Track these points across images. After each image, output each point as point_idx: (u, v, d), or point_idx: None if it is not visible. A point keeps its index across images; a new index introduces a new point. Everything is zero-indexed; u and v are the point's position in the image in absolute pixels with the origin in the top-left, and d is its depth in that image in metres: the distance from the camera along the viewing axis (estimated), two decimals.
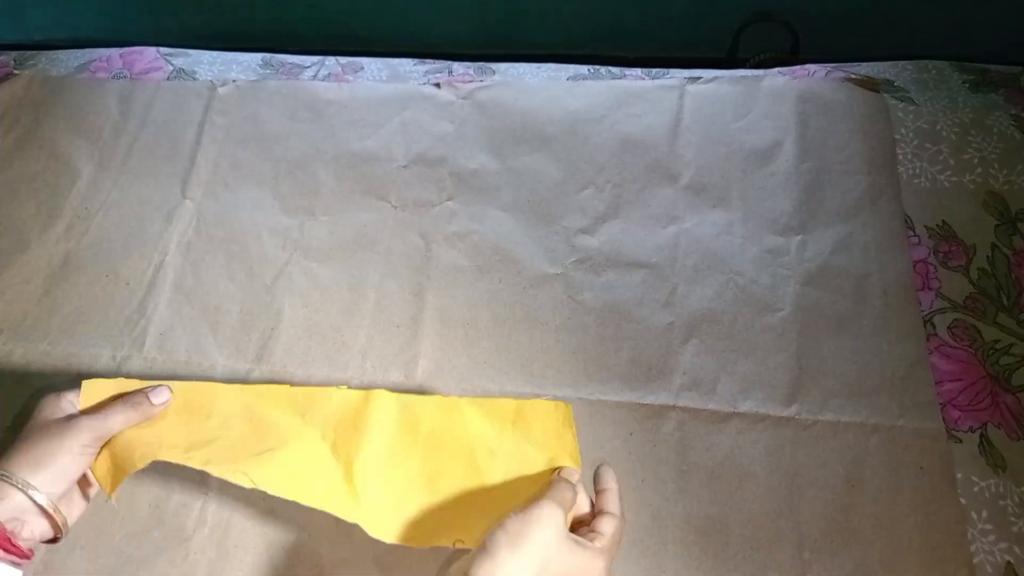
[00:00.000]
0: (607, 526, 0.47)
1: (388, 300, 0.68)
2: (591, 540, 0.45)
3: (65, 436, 0.47)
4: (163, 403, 0.51)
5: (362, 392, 0.52)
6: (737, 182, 0.72)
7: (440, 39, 0.93)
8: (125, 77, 0.85)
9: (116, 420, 0.49)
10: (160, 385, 0.52)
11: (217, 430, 0.50)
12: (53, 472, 0.46)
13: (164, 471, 0.61)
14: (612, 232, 0.71)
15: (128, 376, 0.65)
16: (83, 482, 0.51)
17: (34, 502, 0.45)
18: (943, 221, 0.69)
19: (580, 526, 0.49)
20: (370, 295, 0.69)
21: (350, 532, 0.58)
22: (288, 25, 0.94)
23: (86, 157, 0.78)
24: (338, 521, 0.58)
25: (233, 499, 0.59)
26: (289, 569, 0.57)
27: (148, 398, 0.50)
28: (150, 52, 0.87)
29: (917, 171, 0.71)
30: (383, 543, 0.53)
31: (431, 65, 0.84)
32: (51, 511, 0.46)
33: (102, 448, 0.50)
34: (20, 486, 0.45)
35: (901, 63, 0.79)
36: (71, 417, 0.49)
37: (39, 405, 0.49)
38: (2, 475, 0.45)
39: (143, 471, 0.61)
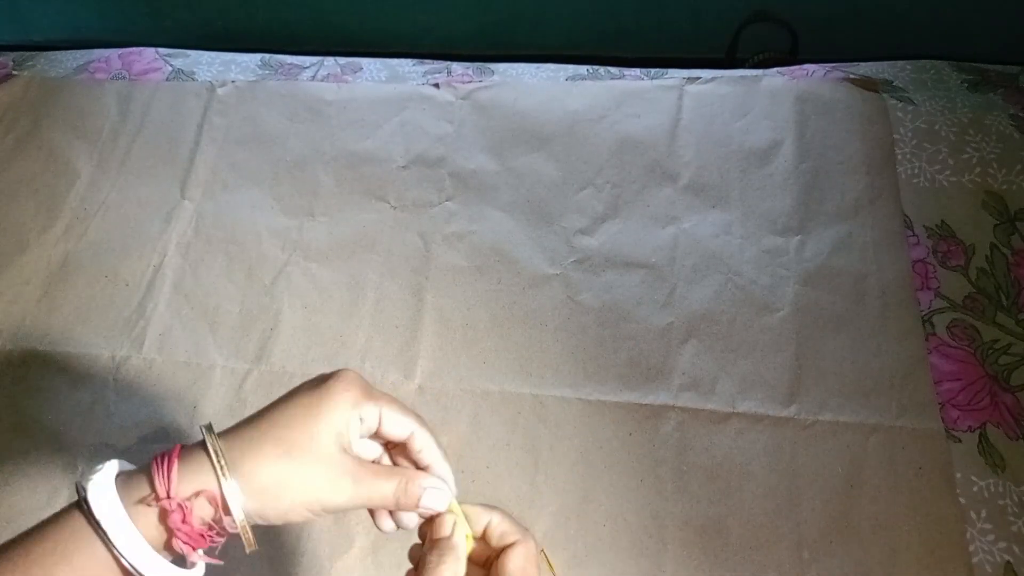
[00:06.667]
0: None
1: (387, 300, 0.68)
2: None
3: (319, 487, 0.35)
4: (429, 510, 0.38)
5: None
6: (736, 182, 0.72)
7: (439, 39, 0.93)
8: (124, 78, 0.85)
9: (376, 499, 0.37)
10: (442, 488, 0.38)
11: None
12: (278, 508, 0.35)
13: None
14: (611, 232, 0.71)
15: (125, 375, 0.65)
16: None
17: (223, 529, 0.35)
18: (942, 221, 0.69)
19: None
20: (369, 295, 0.69)
21: (350, 533, 0.58)
22: (287, 25, 0.94)
23: (85, 158, 0.78)
24: (338, 521, 0.58)
25: None
26: (289, 569, 0.57)
27: (421, 499, 0.38)
28: (149, 53, 0.87)
29: (916, 171, 0.71)
30: (380, 543, 0.52)
31: (430, 65, 0.84)
32: (245, 540, 0.35)
33: None
34: (228, 502, 0.34)
35: (900, 63, 0.79)
36: (343, 468, 0.36)
37: (336, 401, 0.36)
38: (223, 476, 0.34)
39: None
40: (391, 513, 0.39)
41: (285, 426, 0.36)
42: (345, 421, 0.36)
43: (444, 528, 0.38)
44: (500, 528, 0.39)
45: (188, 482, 0.33)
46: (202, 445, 0.34)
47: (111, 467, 0.34)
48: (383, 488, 0.37)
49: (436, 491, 0.38)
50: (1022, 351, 0.62)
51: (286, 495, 0.35)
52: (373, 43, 0.92)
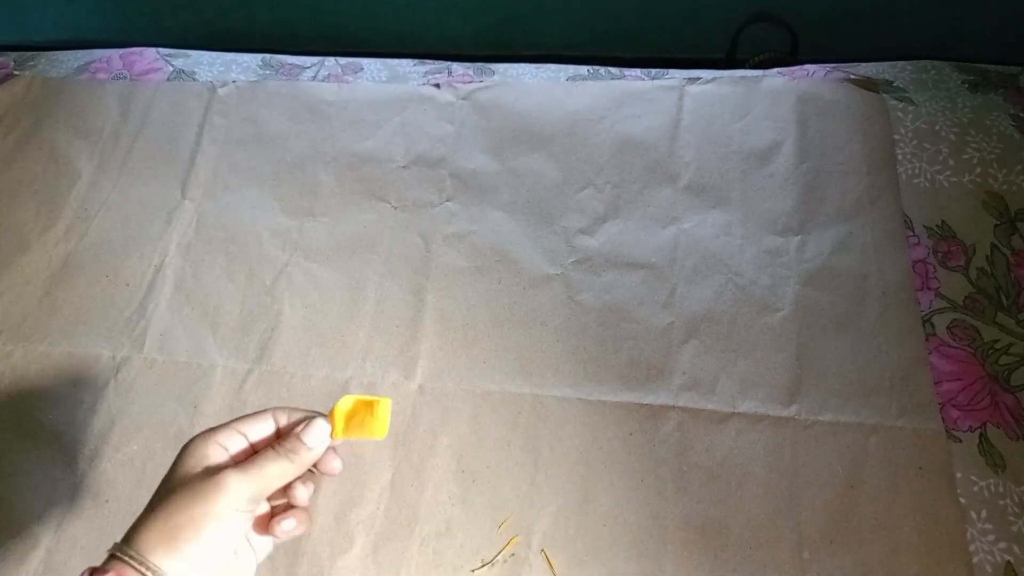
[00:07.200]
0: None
1: (388, 301, 0.68)
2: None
3: (211, 499, 0.36)
4: (319, 444, 0.41)
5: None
6: (736, 183, 0.72)
7: (440, 40, 0.93)
8: (125, 78, 0.85)
9: (272, 473, 0.39)
10: (313, 418, 0.41)
11: None
12: (197, 549, 0.35)
13: (164, 471, 0.61)
14: (611, 232, 0.71)
15: (126, 378, 0.65)
16: (261, 521, 0.41)
17: None
18: (942, 221, 0.69)
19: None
20: (370, 296, 0.69)
21: (350, 532, 0.58)
22: (288, 26, 0.94)
23: (86, 158, 0.79)
24: (338, 521, 0.58)
25: None
26: (289, 569, 0.57)
27: (302, 441, 0.40)
28: (150, 53, 0.87)
29: (916, 171, 0.71)
30: (380, 543, 0.53)
31: (431, 66, 0.84)
32: None
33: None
34: (150, 574, 0.34)
35: (900, 63, 0.79)
36: (217, 471, 0.37)
37: (182, 452, 0.39)
38: (130, 558, 0.35)
39: (141, 471, 0.61)
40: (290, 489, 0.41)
41: (158, 493, 0.38)
42: (203, 454, 0.38)
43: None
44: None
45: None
46: (114, 559, 0.35)
47: None
48: (268, 459, 0.39)
49: (309, 427, 0.41)
50: (1022, 351, 0.62)
51: (197, 538, 0.36)
52: (374, 43, 0.92)
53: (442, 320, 0.67)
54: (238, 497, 0.37)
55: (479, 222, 0.72)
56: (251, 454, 0.40)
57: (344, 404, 0.43)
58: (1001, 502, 0.57)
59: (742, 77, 0.79)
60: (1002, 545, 0.55)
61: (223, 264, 0.71)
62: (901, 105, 0.75)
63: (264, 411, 0.42)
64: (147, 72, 0.85)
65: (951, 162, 0.72)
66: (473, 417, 0.62)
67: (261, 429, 0.41)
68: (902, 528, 0.56)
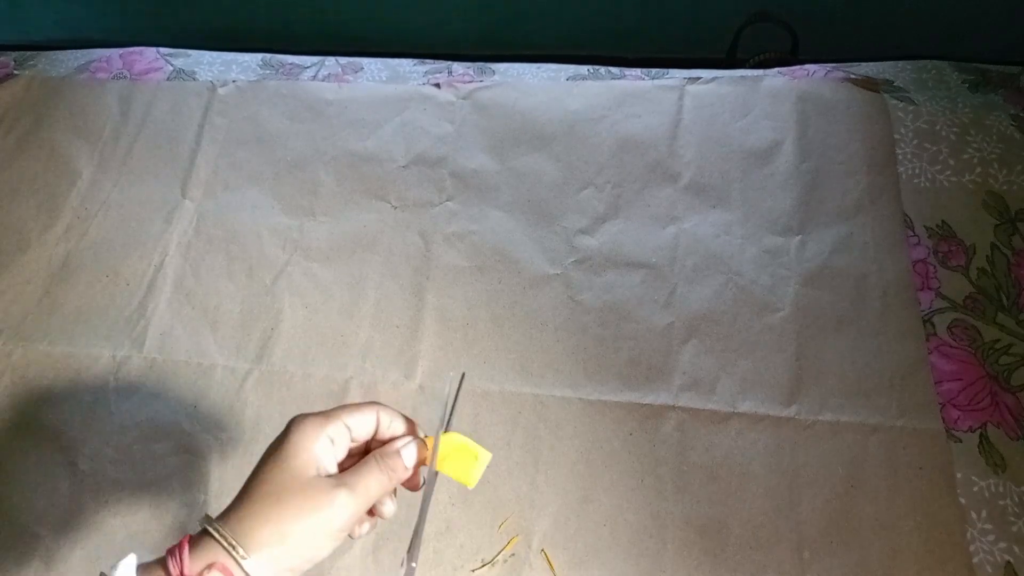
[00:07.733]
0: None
1: (388, 300, 0.68)
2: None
3: (324, 515, 0.37)
4: (415, 464, 0.42)
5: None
6: (737, 182, 0.72)
7: (440, 39, 0.93)
8: (125, 77, 0.85)
9: (375, 493, 0.40)
10: (409, 441, 0.42)
11: None
12: (301, 554, 0.36)
13: (164, 471, 0.61)
14: (612, 232, 0.71)
15: (127, 376, 0.65)
16: None
17: None
18: (943, 221, 0.69)
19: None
20: (370, 295, 0.69)
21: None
22: (288, 25, 0.94)
23: (86, 157, 0.79)
24: None
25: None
26: None
27: (402, 461, 0.41)
28: (150, 52, 0.87)
29: (917, 171, 0.71)
30: (380, 543, 0.53)
31: (431, 65, 0.84)
32: None
33: None
34: (250, 572, 0.35)
35: (901, 63, 0.79)
36: (331, 484, 0.38)
37: (292, 438, 0.39)
38: (237, 554, 0.35)
39: (141, 471, 0.61)
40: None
41: (267, 482, 0.38)
42: (314, 452, 0.38)
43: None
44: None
45: (200, 561, 0.35)
46: (206, 533, 0.36)
47: (132, 559, 0.35)
48: (373, 478, 0.40)
49: (407, 447, 0.42)
50: (1023, 351, 0.62)
51: (304, 546, 0.36)
52: (374, 43, 0.92)
53: (442, 320, 0.67)
54: (349, 518, 0.38)
55: (479, 222, 0.72)
56: (349, 453, 0.41)
57: (452, 439, 0.44)
58: (1001, 502, 0.57)
59: (742, 77, 0.79)
60: (1002, 545, 0.55)
61: (223, 264, 0.71)
62: (901, 105, 0.75)
63: (369, 405, 0.42)
64: (147, 72, 0.85)
65: (951, 162, 0.72)
66: (473, 417, 0.62)
67: (364, 424, 0.41)
68: (902, 528, 0.56)
